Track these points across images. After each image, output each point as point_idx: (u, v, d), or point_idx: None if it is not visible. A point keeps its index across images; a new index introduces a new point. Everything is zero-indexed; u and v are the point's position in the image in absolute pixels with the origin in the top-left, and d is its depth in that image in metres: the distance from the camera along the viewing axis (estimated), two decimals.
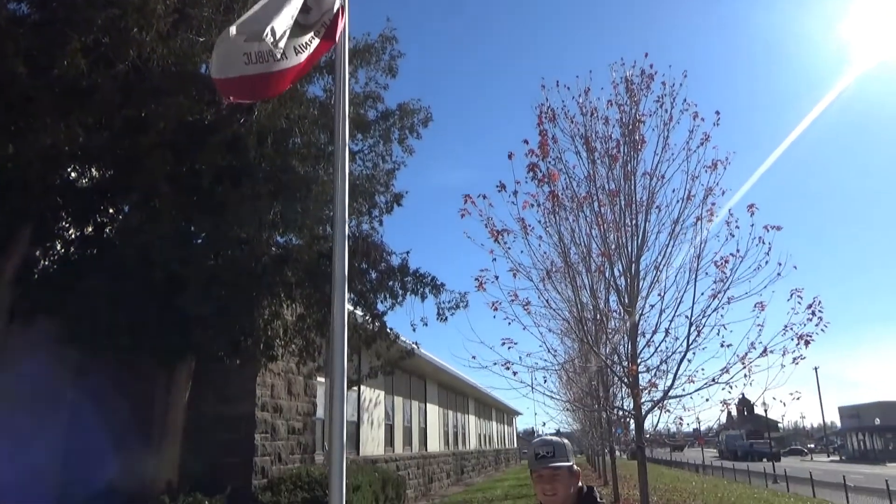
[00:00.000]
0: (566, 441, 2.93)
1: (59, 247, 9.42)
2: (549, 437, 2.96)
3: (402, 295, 10.26)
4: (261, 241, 8.86)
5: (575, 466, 2.84)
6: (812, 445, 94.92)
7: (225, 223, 8.81)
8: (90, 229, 9.46)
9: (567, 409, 24.87)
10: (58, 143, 7.07)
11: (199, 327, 8.98)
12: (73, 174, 8.80)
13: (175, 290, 8.65)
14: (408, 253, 10.54)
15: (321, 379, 13.15)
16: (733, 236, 11.35)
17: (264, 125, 8.48)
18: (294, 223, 9.30)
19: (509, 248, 11.79)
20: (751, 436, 69.00)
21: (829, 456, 74.90)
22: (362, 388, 17.12)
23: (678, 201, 10.24)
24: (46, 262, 9.31)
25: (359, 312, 10.89)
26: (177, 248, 8.42)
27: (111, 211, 9.41)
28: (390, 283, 10.20)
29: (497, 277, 11.56)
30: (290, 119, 8.75)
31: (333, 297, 6.18)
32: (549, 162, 10.03)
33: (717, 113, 9.87)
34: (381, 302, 10.45)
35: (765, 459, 47.77)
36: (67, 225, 9.33)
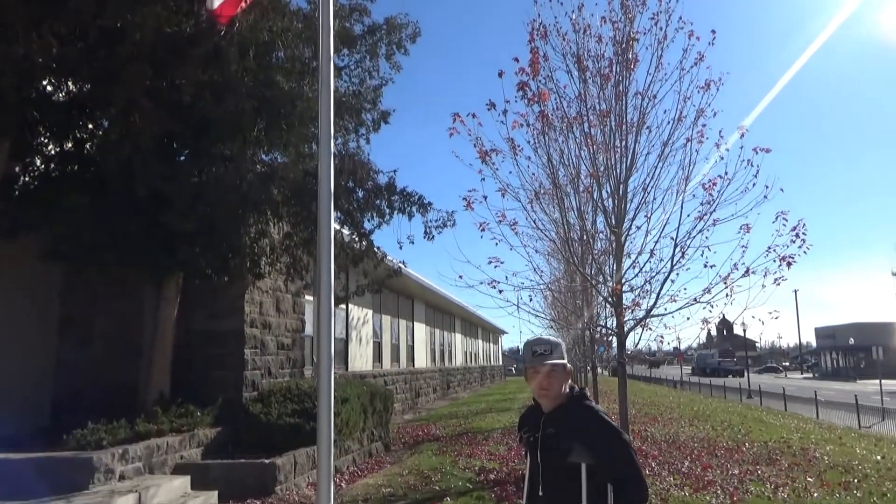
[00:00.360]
0: (561, 341, 3.01)
1: (38, 163, 9.25)
2: (545, 336, 3.04)
3: (389, 213, 10.25)
4: (245, 159, 8.74)
5: (568, 365, 2.93)
6: (787, 364, 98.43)
7: (208, 139, 8.65)
8: (70, 145, 9.27)
9: (551, 328, 25.43)
10: (31, 54, 6.82)
11: (186, 244, 8.98)
12: (49, 87, 8.54)
13: (159, 206, 8.59)
14: (395, 171, 10.47)
15: (309, 297, 13.30)
16: (722, 158, 11.33)
17: (246, 37, 8.19)
18: (279, 140, 9.16)
19: (497, 169, 11.73)
20: (722, 355, 73.00)
21: (802, 373, 77.89)
22: (350, 306, 17.37)
23: (669, 122, 10.14)
24: (27, 179, 9.16)
25: (346, 231, 10.90)
26: (159, 164, 8.30)
27: (90, 126, 9.19)
28: (377, 201, 10.15)
29: (485, 197, 11.55)
30: (272, 32, 8.45)
31: (319, 214, 6.17)
32: (540, 81, 9.83)
33: (713, 32, 9.63)
34: (368, 220, 10.46)
35: (730, 375, 54.17)
36: (46, 140, 9.14)
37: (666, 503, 7.94)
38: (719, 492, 8.65)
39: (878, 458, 11.80)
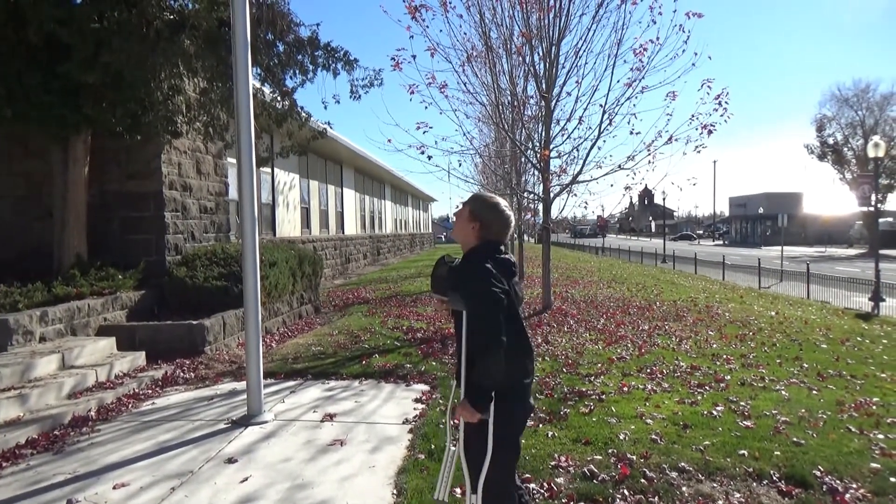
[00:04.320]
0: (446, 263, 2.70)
1: None
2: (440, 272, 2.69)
3: (313, 70, 9.70)
4: (151, 3, 7.94)
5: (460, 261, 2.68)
6: (700, 232, 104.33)
7: None
8: None
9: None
10: None
11: (91, 99, 8.33)
12: None
13: (59, 56, 7.84)
14: (318, 25, 9.83)
15: (232, 160, 12.81)
16: (655, 23, 11.22)
17: None
18: None
19: (428, 27, 11.27)
20: (600, 225, 78.12)
21: (714, 241, 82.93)
22: (277, 171, 16.91)
23: None
24: None
25: (266, 89, 10.33)
26: (52, 6, 7.46)
27: None
28: (299, 56, 9.55)
29: (414, 57, 11.16)
30: None
31: (236, 66, 5.78)
32: None
33: None
34: (290, 78, 9.88)
35: (588, 238, 68.10)
36: None
37: (581, 356, 8.49)
38: (630, 345, 9.31)
39: (773, 314, 12.89)
